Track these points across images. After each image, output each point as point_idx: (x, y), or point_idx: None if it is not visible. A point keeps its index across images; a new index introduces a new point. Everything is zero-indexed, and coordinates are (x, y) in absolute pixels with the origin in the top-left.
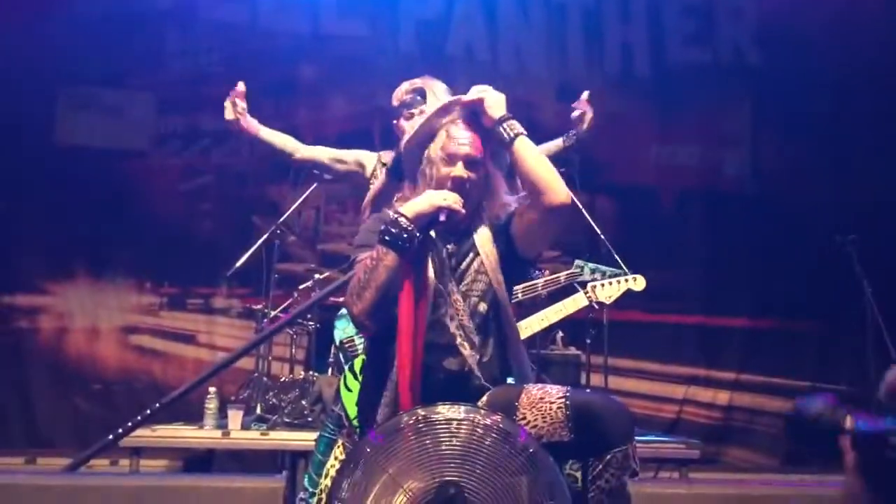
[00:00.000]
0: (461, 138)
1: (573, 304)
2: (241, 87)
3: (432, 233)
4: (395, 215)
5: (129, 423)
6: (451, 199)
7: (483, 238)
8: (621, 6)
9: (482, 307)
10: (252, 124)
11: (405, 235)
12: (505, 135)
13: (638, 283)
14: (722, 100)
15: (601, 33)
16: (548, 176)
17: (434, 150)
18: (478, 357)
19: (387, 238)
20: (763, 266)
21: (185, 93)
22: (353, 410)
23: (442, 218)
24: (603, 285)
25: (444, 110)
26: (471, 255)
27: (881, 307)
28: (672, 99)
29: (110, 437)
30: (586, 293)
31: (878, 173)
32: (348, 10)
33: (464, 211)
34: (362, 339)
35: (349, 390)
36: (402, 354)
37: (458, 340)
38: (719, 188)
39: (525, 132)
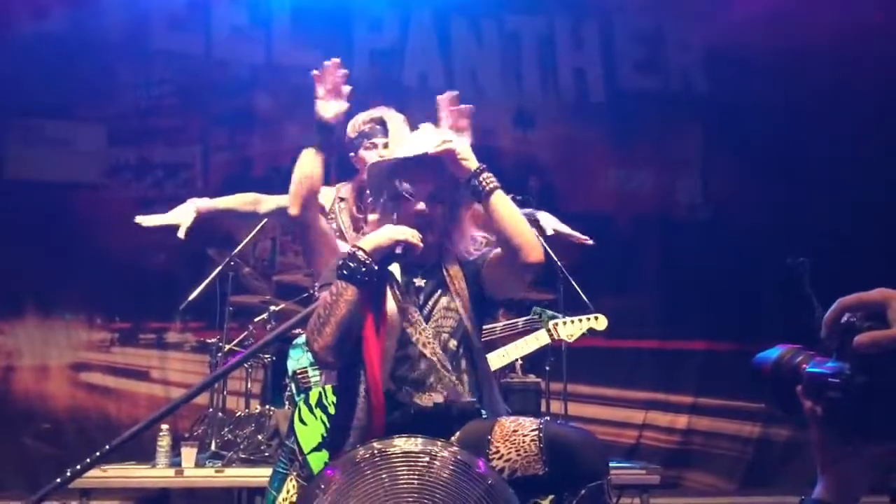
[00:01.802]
0: (420, 174)
1: (535, 341)
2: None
3: (395, 268)
4: (353, 249)
5: (79, 466)
6: (409, 234)
7: (455, 275)
8: (573, 34)
9: (452, 343)
10: (206, 204)
11: (363, 269)
12: (480, 188)
13: (600, 322)
14: (673, 126)
15: (555, 60)
16: (523, 234)
17: (397, 185)
18: (452, 393)
19: (345, 272)
20: (717, 289)
21: (136, 124)
22: (307, 444)
23: (398, 250)
24: (565, 323)
25: (417, 160)
26: (440, 291)
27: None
28: (625, 125)
29: (58, 480)
30: (549, 331)
31: (827, 196)
32: (302, 40)
33: (421, 245)
34: (316, 371)
35: (304, 424)
36: (374, 387)
37: (431, 377)
38: (673, 213)
39: (500, 185)
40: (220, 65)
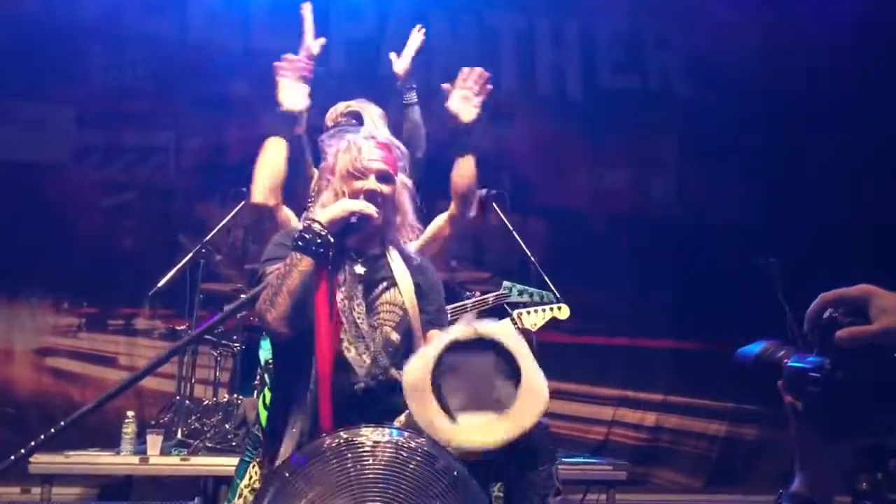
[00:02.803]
0: (372, 153)
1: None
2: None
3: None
4: (309, 221)
5: (32, 443)
6: (364, 205)
7: (399, 268)
8: (553, 30)
9: (395, 337)
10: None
11: (319, 240)
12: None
13: (563, 311)
14: (650, 126)
15: (533, 56)
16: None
17: (346, 164)
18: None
19: (300, 244)
20: (688, 289)
21: (108, 106)
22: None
23: (353, 220)
24: (529, 313)
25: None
26: (384, 284)
27: (801, 329)
28: (602, 123)
29: (11, 457)
30: (513, 320)
31: (798, 199)
32: (279, 27)
33: (376, 215)
34: None
35: (268, 410)
36: (322, 358)
37: (366, 364)
38: (646, 212)
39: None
40: (195, 49)
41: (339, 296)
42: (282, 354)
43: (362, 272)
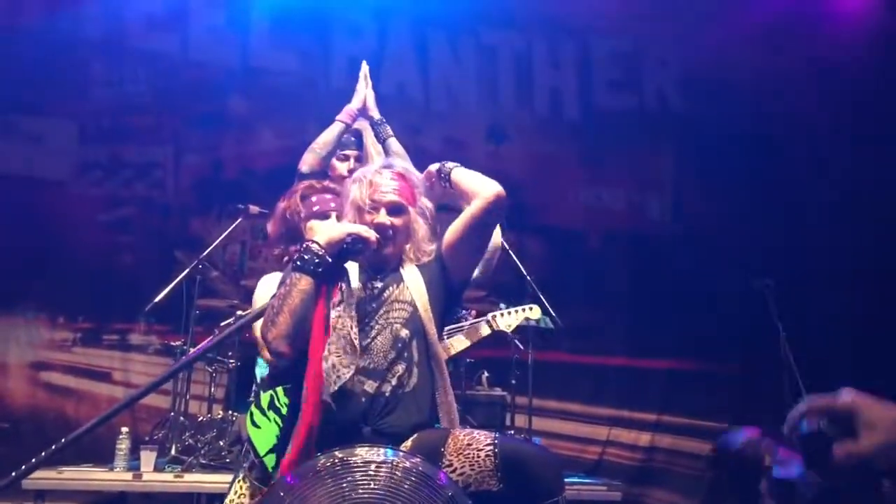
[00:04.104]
0: (385, 186)
1: (476, 332)
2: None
3: (355, 272)
4: (308, 242)
5: (33, 460)
6: (362, 229)
7: (411, 272)
8: (550, 51)
9: (404, 333)
10: None
11: (317, 260)
12: (446, 174)
13: (533, 312)
14: (647, 145)
15: (531, 76)
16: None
17: (359, 197)
18: (404, 383)
19: (299, 263)
20: (685, 309)
21: (108, 122)
22: (262, 447)
23: (348, 239)
24: (503, 314)
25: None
26: (394, 285)
27: (794, 350)
28: (599, 143)
29: (13, 474)
30: (488, 323)
31: (795, 219)
32: (280, 44)
33: (373, 239)
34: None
35: (257, 427)
36: (313, 381)
37: (382, 369)
38: (643, 231)
39: (457, 164)
40: (195, 66)
41: (335, 312)
42: (291, 374)
43: (379, 286)
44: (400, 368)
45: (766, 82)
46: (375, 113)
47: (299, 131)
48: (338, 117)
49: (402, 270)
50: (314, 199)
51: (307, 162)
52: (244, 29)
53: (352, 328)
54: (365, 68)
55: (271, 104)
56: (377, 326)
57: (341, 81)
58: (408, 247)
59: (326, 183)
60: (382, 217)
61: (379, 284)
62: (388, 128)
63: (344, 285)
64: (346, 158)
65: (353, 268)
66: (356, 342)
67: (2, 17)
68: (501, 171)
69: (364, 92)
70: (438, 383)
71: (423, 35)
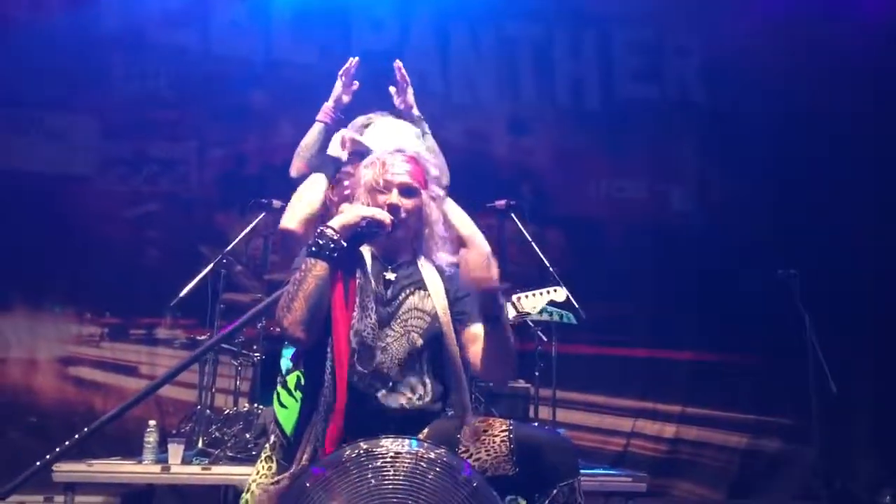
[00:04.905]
0: (397, 167)
1: None
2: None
3: (367, 258)
4: (322, 227)
5: (57, 449)
6: (375, 211)
7: (431, 277)
8: (571, 41)
9: (420, 343)
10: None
11: (332, 245)
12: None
13: (559, 293)
14: (669, 135)
15: (552, 67)
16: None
17: (371, 179)
18: (418, 397)
19: (314, 249)
20: (708, 300)
21: (132, 117)
22: (288, 427)
23: (363, 223)
24: (527, 296)
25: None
26: (412, 288)
27: (821, 341)
28: (621, 133)
29: (38, 463)
30: (513, 304)
31: (821, 209)
32: (300, 37)
33: (388, 221)
34: None
35: (284, 407)
36: (339, 362)
37: (393, 373)
38: (666, 222)
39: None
40: (217, 60)
41: (357, 307)
42: (306, 358)
43: (392, 278)
44: (413, 380)
45: (789, 71)
46: (415, 109)
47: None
48: (317, 117)
49: (421, 271)
50: (346, 183)
51: (294, 167)
52: (265, 22)
53: (368, 326)
54: (353, 61)
55: (293, 97)
56: (393, 333)
57: (361, 73)
58: (425, 230)
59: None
60: (395, 198)
61: (391, 276)
62: (425, 124)
63: (360, 274)
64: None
65: (365, 256)
66: (374, 351)
67: (25, 14)
68: (523, 163)
69: (340, 90)
70: (452, 385)
71: (443, 27)
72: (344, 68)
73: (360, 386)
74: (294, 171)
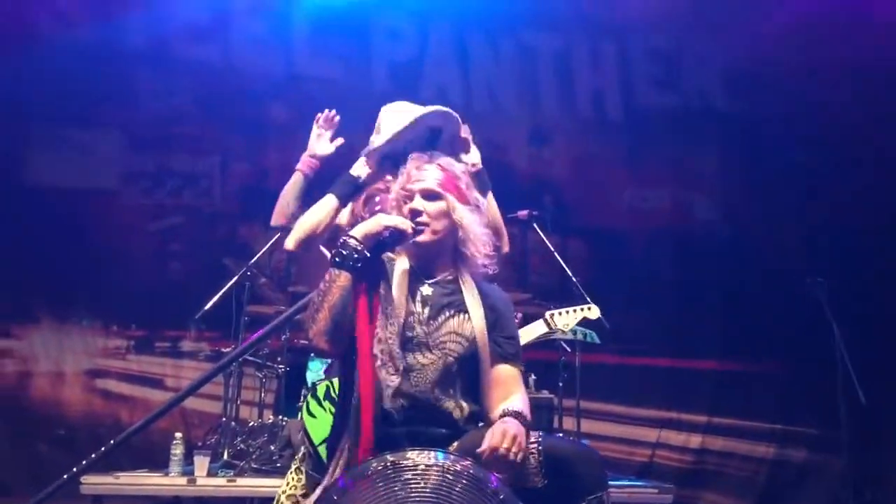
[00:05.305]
0: (420, 174)
1: (532, 331)
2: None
3: (404, 273)
4: (345, 237)
5: (84, 461)
6: (398, 220)
7: (471, 296)
8: (591, 51)
9: (456, 368)
10: None
11: (355, 255)
12: None
13: (593, 311)
14: (691, 144)
15: (572, 77)
16: None
17: (397, 189)
18: (449, 407)
19: (337, 259)
20: (733, 309)
21: (156, 131)
22: (317, 436)
23: (385, 233)
24: (560, 314)
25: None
26: (452, 310)
27: (850, 350)
28: (642, 143)
29: (65, 476)
30: (546, 322)
31: (846, 216)
32: (321, 51)
33: (409, 230)
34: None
35: (313, 416)
36: (364, 377)
37: (430, 400)
38: (689, 231)
39: None
40: (239, 75)
41: (379, 321)
42: (339, 370)
43: (429, 293)
44: (448, 402)
45: (810, 76)
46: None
47: (341, 137)
48: (296, 166)
49: (462, 290)
50: (377, 199)
51: (273, 217)
52: (285, 37)
53: (394, 344)
54: (331, 113)
55: (314, 111)
56: (430, 355)
57: (383, 86)
58: (459, 234)
59: (389, 184)
60: (416, 202)
61: (429, 291)
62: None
63: (384, 288)
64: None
65: (400, 267)
66: (398, 362)
67: (50, 32)
68: (544, 174)
69: (314, 141)
70: (486, 407)
71: (463, 38)
72: (319, 116)
73: (392, 408)
74: (273, 221)
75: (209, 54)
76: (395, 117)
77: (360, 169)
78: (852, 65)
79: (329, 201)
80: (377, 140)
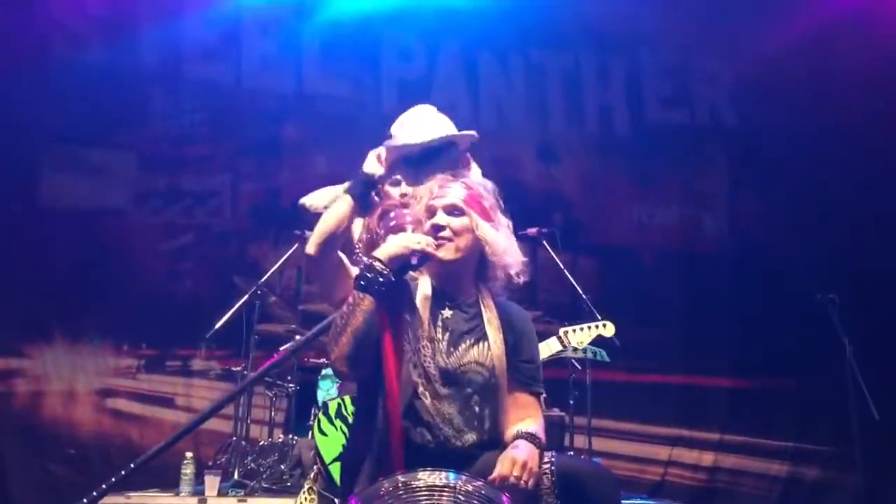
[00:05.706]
0: (443, 191)
1: (546, 348)
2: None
3: (426, 285)
4: (370, 260)
5: (104, 486)
6: (424, 242)
7: (491, 320)
8: (599, 68)
9: (475, 399)
10: None
11: (381, 279)
12: None
13: (608, 329)
14: (700, 160)
15: (580, 94)
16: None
17: (421, 208)
18: (472, 439)
19: (362, 283)
20: (743, 325)
21: (167, 151)
22: (328, 455)
23: (413, 261)
24: (574, 331)
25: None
26: (472, 339)
27: (862, 366)
28: (651, 159)
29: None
30: (559, 339)
31: (857, 232)
32: (332, 71)
33: (438, 254)
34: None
35: (324, 434)
36: (392, 400)
37: (452, 428)
38: (699, 247)
39: None
40: (250, 95)
41: (408, 341)
42: (359, 393)
43: (449, 315)
44: (471, 437)
45: (819, 92)
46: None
47: (352, 156)
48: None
49: (483, 315)
50: (392, 214)
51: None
52: (296, 56)
53: (420, 379)
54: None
55: (324, 129)
56: (449, 388)
57: (393, 105)
58: (486, 249)
59: (406, 199)
60: (439, 217)
61: (448, 314)
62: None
63: (409, 312)
64: (398, 183)
65: (422, 291)
66: (423, 395)
67: (62, 53)
68: (554, 191)
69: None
70: (501, 429)
71: (472, 56)
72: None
73: (415, 437)
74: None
75: (220, 74)
76: (426, 126)
77: (374, 167)
78: (862, 80)
79: (345, 201)
80: (400, 136)
